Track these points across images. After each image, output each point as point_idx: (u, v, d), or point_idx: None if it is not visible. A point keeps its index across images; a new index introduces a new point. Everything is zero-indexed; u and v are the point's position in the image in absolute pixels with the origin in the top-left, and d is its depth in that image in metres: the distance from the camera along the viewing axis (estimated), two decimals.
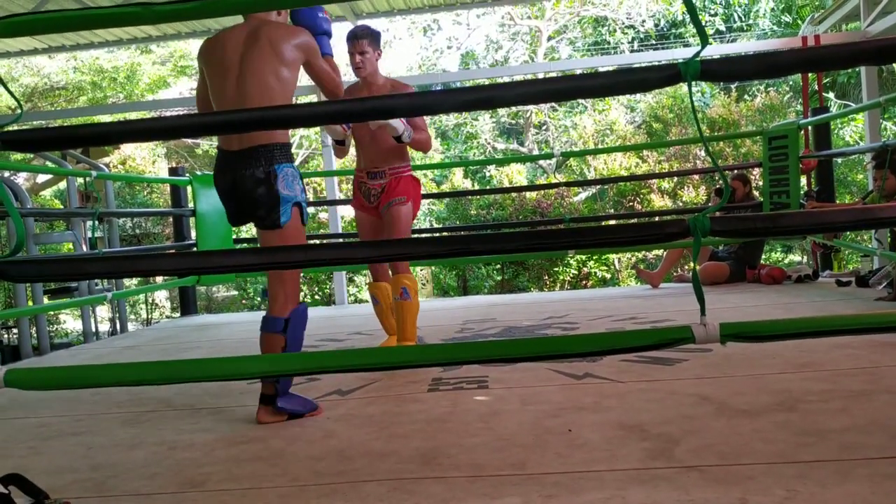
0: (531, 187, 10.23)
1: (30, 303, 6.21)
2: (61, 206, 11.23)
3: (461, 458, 1.98)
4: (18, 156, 10.65)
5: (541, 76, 9.37)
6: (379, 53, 3.56)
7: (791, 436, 1.98)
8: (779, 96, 11.97)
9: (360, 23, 8.01)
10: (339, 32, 16.20)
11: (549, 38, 14.56)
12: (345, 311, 6.18)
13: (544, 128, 14.55)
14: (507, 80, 9.15)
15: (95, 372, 1.90)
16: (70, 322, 11.77)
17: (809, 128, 5.96)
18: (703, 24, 13.73)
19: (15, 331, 6.35)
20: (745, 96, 12.96)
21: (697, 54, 1.57)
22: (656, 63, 6.59)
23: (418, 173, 12.23)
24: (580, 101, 13.69)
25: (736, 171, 6.43)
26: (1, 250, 8.76)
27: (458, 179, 11.95)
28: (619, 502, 1.61)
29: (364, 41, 3.47)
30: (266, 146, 2.55)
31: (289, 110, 1.93)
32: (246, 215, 2.66)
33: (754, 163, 7.61)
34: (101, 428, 2.63)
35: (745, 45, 11.18)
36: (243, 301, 11.76)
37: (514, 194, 10.57)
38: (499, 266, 10.68)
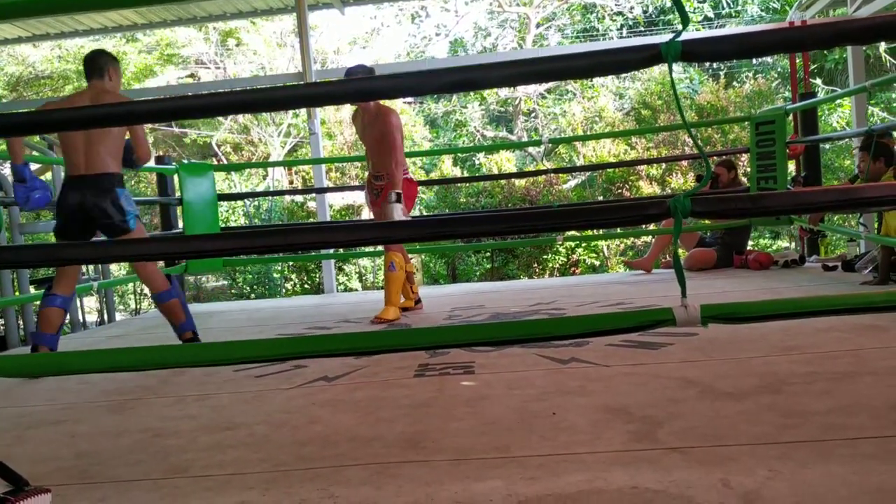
0: (520, 174, 10.22)
1: (16, 293, 6.16)
2: None
3: (445, 443, 1.98)
4: (3, 146, 10.58)
5: None
6: None
7: (774, 417, 1.98)
8: (767, 83, 11.98)
9: (347, 10, 7.99)
10: (327, 20, 15.96)
11: (538, 25, 14.53)
12: (333, 300, 6.16)
13: (533, 115, 14.53)
14: None
15: (76, 358, 1.88)
16: None
17: (797, 113, 5.97)
18: (692, 10, 13.67)
19: (1, 321, 6.30)
20: (734, 83, 12.98)
21: (678, 34, 1.56)
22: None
23: (409, 161, 12.17)
24: (569, 88, 13.68)
25: (721, 157, 6.44)
26: None
27: (448, 167, 11.93)
28: (601, 484, 1.61)
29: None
30: (108, 174, 3.42)
31: (269, 93, 1.91)
32: (94, 226, 3.49)
33: (742, 148, 7.63)
34: (86, 416, 2.62)
35: (731, 31, 11.17)
36: (232, 290, 11.72)
37: (503, 182, 10.57)
38: (488, 254, 10.69)
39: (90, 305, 8.48)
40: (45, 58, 13.65)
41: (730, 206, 1.65)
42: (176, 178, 6.11)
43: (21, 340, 5.95)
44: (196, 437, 2.24)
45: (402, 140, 4.47)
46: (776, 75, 12.83)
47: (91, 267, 6.64)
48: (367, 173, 4.67)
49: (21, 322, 6.18)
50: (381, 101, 4.50)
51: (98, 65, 3.55)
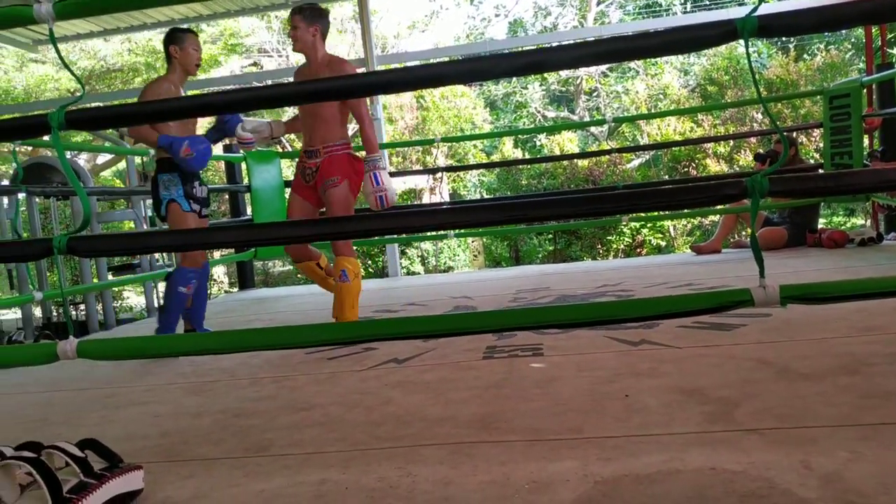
0: (583, 154, 10.09)
1: (95, 280, 6.41)
2: (122, 186, 11.50)
3: (518, 423, 2.00)
4: (79, 137, 10.96)
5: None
6: (315, 28, 3.54)
7: (854, 398, 1.94)
8: (840, 54, 11.57)
9: None
10: (386, 4, 15.92)
11: (599, 3, 14.30)
12: (398, 283, 6.22)
13: (595, 94, 14.34)
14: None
15: (163, 342, 1.96)
16: (133, 298, 12.12)
17: (873, 85, 5.75)
18: None
19: (82, 307, 6.57)
20: (804, 55, 12.56)
21: (754, 10, 1.53)
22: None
23: (467, 144, 12.01)
24: (632, 66, 13.43)
25: (778, 135, 6.26)
26: (66, 230, 9.02)
27: (508, 149, 11.88)
28: (678, 465, 1.60)
29: (297, 17, 3.52)
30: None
31: (276, 89, 1.94)
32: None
33: (814, 123, 7.40)
34: (168, 397, 2.72)
35: (803, 1, 10.81)
36: (299, 275, 11.94)
37: (565, 163, 10.48)
38: (551, 236, 10.63)
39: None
40: (116, 51, 14.06)
41: (811, 186, 1.61)
42: (244, 165, 6.25)
43: (101, 325, 6.20)
44: (274, 417, 2.30)
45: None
46: (849, 46, 12.37)
47: (165, 254, 6.84)
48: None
49: (101, 308, 6.43)
50: (339, 57, 3.67)
51: (166, 52, 3.54)
